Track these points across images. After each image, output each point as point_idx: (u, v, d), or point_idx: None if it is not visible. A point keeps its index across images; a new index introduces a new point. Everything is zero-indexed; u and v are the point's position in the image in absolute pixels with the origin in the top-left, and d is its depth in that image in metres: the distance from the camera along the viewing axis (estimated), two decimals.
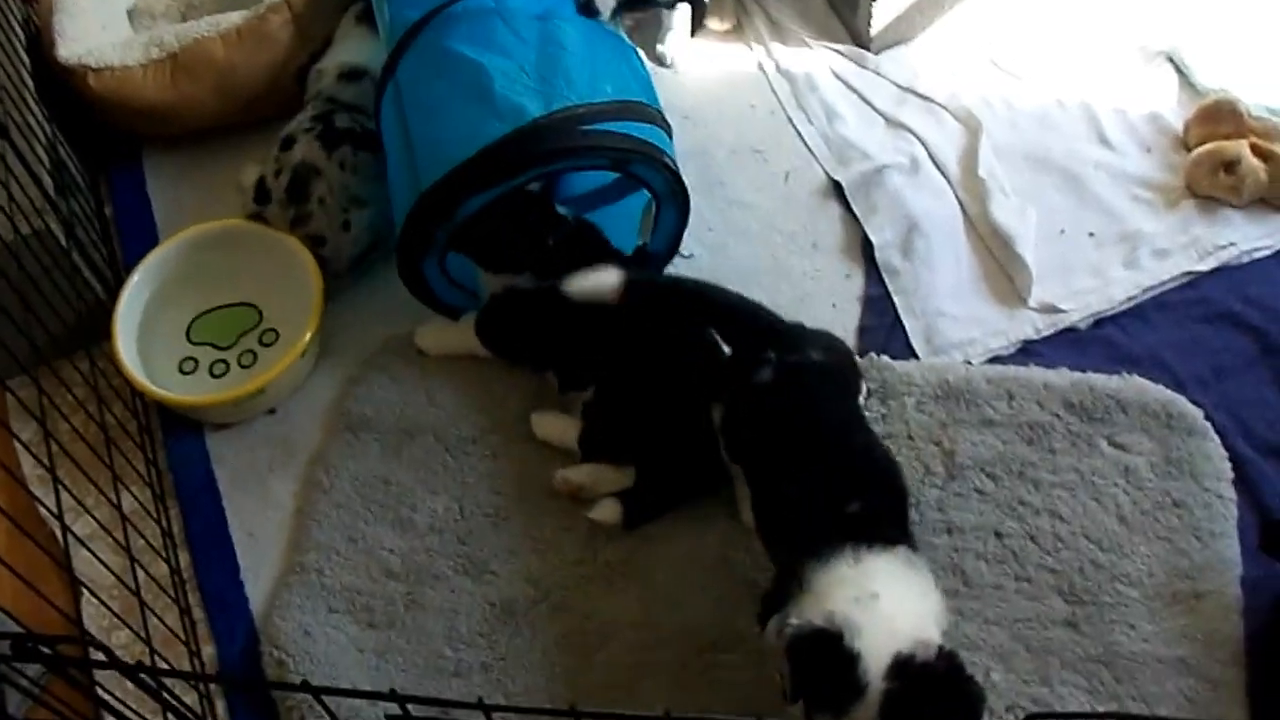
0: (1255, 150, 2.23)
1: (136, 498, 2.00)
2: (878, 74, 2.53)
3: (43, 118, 2.27)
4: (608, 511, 1.98)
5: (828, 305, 2.23)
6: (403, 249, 2.04)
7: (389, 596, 1.96)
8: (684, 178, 2.10)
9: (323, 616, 1.95)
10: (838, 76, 2.53)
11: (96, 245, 2.28)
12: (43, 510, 1.78)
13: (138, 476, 2.07)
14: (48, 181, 2.12)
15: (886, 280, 2.23)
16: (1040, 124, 2.43)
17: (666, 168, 2.04)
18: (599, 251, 2.09)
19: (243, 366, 2.18)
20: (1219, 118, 2.30)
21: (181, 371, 2.18)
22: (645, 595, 1.93)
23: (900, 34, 2.54)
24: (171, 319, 2.23)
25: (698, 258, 2.30)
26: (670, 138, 2.14)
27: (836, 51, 2.58)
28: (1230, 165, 2.23)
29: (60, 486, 1.80)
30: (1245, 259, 2.23)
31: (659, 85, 2.25)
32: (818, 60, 2.57)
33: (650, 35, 2.59)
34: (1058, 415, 2.05)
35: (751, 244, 2.33)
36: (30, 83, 2.27)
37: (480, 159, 1.94)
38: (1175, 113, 2.42)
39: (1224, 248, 2.22)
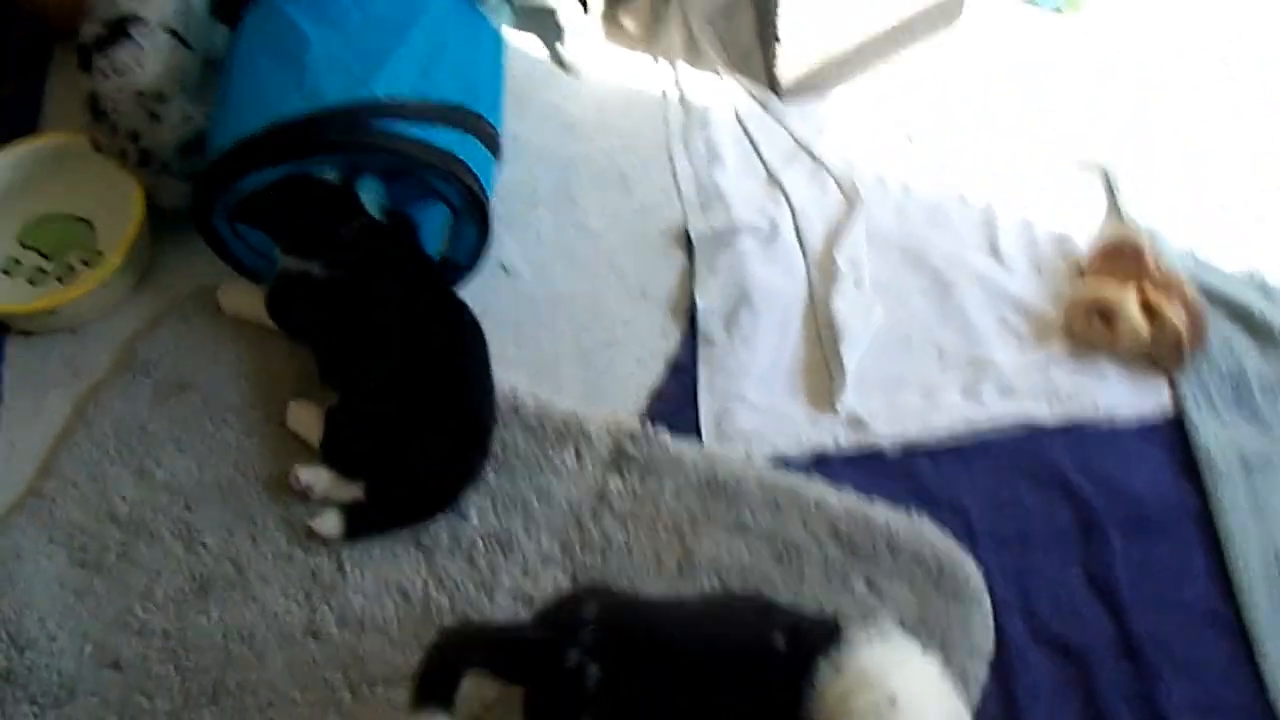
0: (1145, 303, 2.07)
1: None
2: (779, 123, 2.44)
3: None
4: (328, 524, 2.03)
5: (632, 359, 2.20)
6: (193, 206, 2.10)
7: (105, 541, 2.06)
8: (522, 195, 2.12)
9: (41, 545, 2.06)
10: (738, 117, 2.45)
11: None
12: None
13: None
14: None
15: (700, 348, 2.18)
16: (931, 217, 2.31)
17: (461, 183, 2.03)
18: (400, 250, 2.13)
19: (59, 281, 2.30)
20: (1120, 256, 2.15)
21: (4, 271, 2.31)
22: (336, 610, 1.97)
23: (814, 85, 2.44)
24: (7, 215, 2.36)
25: (518, 275, 2.30)
26: (494, 150, 2.15)
27: (745, 89, 2.49)
28: (1108, 315, 2.08)
29: None
30: (1104, 423, 2.08)
31: (553, 86, 2.23)
32: (723, 94, 2.50)
33: (551, 31, 2.53)
34: (818, 539, 1.98)
35: (580, 273, 2.31)
36: None
37: (264, 136, 1.99)
38: (1090, 238, 2.26)
39: (1081, 402, 2.08)
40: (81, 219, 2.37)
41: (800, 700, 1.53)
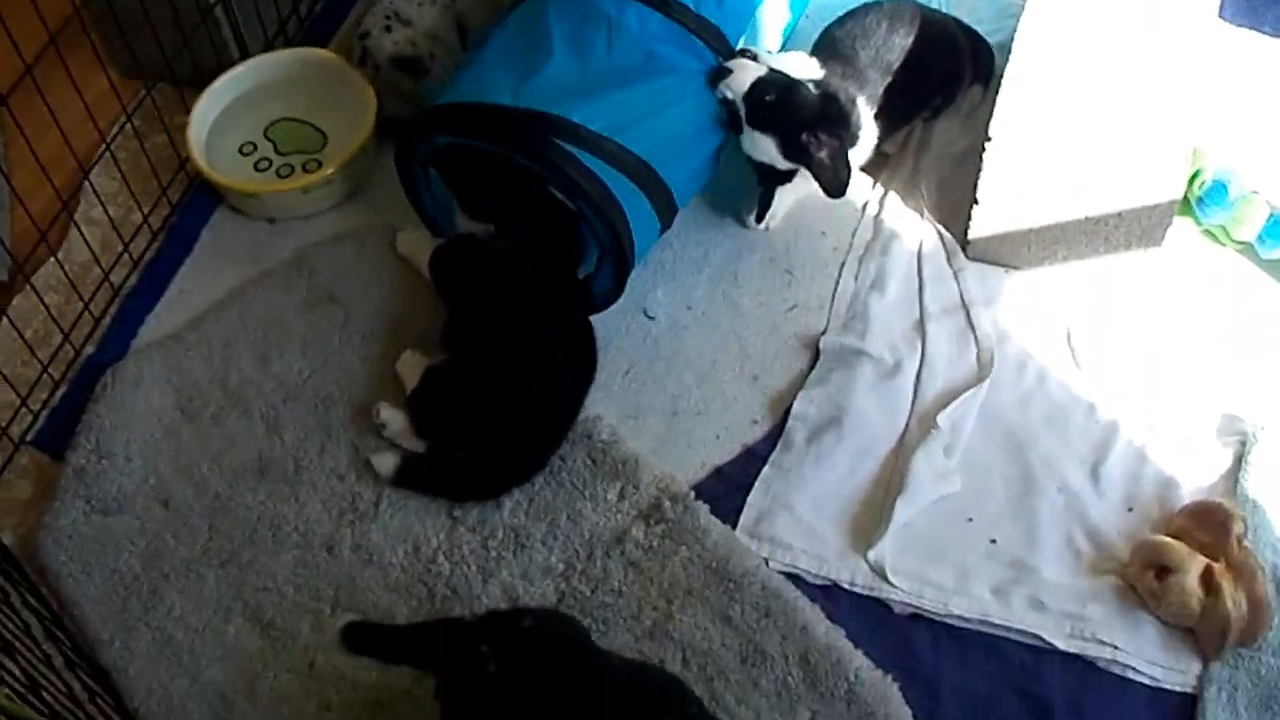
0: (1207, 574, 2.14)
1: (141, 209, 2.75)
2: (955, 276, 2.63)
3: None
4: (384, 464, 2.40)
5: (714, 432, 2.46)
6: (397, 149, 2.52)
7: (208, 400, 2.53)
8: (693, 256, 2.62)
9: (159, 382, 2.54)
10: (919, 255, 2.66)
11: (262, 22, 2.97)
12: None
13: (150, 199, 2.76)
14: None
15: (776, 448, 2.41)
16: (1051, 416, 2.44)
17: (611, 227, 2.34)
18: (557, 249, 2.48)
19: (279, 175, 2.80)
20: (1206, 523, 2.22)
21: (241, 152, 2.84)
22: (356, 537, 2.32)
23: (1002, 254, 2.61)
24: (264, 107, 2.91)
25: (657, 323, 2.61)
26: (664, 217, 2.48)
27: (938, 234, 2.69)
28: (1163, 572, 2.16)
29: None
30: (1115, 669, 2.16)
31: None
32: (915, 231, 2.71)
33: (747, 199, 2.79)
34: (787, 660, 2.18)
35: (708, 342, 2.59)
36: None
37: (457, 108, 2.39)
38: (1195, 494, 2.34)
39: (1103, 644, 2.17)
40: (320, 130, 2.87)
41: None
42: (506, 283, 2.45)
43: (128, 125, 2.81)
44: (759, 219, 2.75)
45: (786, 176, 2.66)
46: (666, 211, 2.48)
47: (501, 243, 2.47)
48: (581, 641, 1.96)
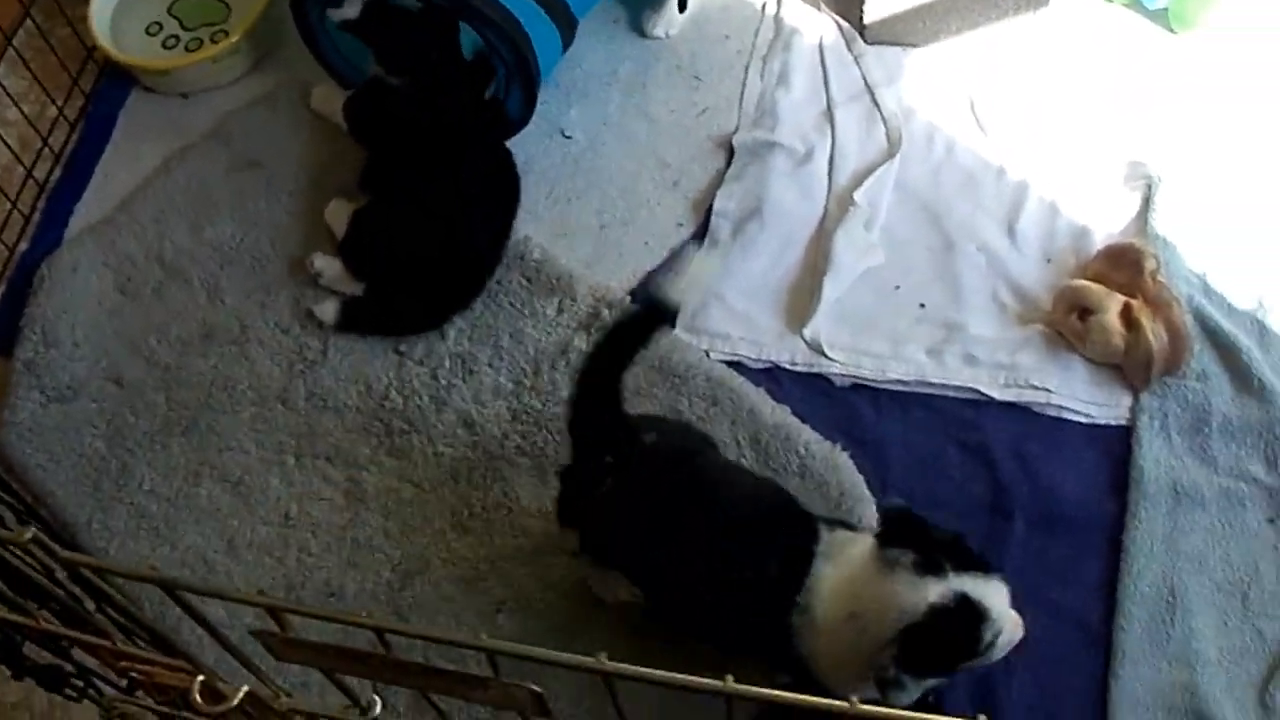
0: (1126, 311, 2.24)
1: (56, 103, 2.76)
2: (855, 61, 2.69)
3: None
4: (327, 311, 2.45)
5: (642, 240, 2.54)
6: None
7: (146, 276, 2.57)
8: (601, 73, 2.62)
9: (96, 265, 2.58)
10: (820, 47, 2.73)
11: None
12: None
13: (63, 92, 2.78)
14: None
15: (703, 247, 2.47)
16: (963, 182, 2.53)
17: (514, 46, 2.38)
18: (470, 88, 2.50)
19: (187, 50, 2.81)
20: (1120, 262, 2.32)
21: (147, 32, 2.85)
22: (309, 385, 2.38)
23: (899, 34, 2.68)
24: None
25: (575, 142, 2.67)
26: (565, 34, 2.51)
27: (836, 24, 2.75)
28: (1085, 313, 2.26)
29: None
30: (1050, 411, 2.26)
31: None
32: (814, 24, 2.77)
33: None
34: (739, 443, 2.27)
35: (626, 154, 2.66)
36: None
37: None
38: (1108, 239, 2.42)
39: (1036, 389, 2.27)
40: (223, 1, 2.87)
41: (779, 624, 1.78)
42: (418, 121, 2.47)
43: (29, 22, 2.81)
44: (682, 7, 2.78)
45: None
46: (565, 25, 2.53)
47: (410, 83, 2.48)
48: (700, 458, 1.98)
